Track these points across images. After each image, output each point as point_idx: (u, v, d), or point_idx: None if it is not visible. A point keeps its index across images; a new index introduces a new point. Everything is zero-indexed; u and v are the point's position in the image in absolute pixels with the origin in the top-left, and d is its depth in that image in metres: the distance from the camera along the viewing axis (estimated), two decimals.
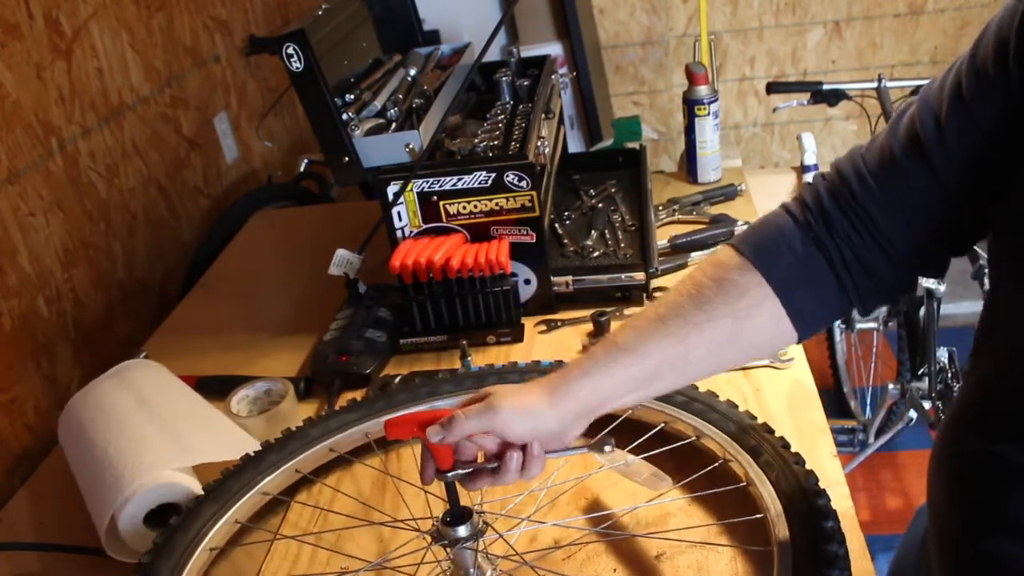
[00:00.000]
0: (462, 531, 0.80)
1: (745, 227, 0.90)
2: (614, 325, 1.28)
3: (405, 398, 1.07)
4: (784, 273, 0.76)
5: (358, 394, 1.19)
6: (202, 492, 0.96)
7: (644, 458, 0.95)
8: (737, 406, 0.98)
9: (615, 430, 0.94)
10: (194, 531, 0.90)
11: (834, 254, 0.75)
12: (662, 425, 1.00)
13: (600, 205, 1.54)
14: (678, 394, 1.00)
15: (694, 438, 0.97)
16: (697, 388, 1.01)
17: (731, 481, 0.91)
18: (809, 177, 1.81)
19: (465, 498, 0.84)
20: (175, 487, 0.96)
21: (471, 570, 0.82)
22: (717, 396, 1.00)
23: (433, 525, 0.82)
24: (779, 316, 0.76)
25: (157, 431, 1.02)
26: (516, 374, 1.10)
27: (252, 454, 1.01)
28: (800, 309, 0.76)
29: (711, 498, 0.93)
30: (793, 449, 0.90)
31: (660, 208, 1.58)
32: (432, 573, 0.85)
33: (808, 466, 0.88)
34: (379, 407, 1.07)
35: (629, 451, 0.96)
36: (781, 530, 0.81)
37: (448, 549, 0.81)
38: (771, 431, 0.94)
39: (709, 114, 1.62)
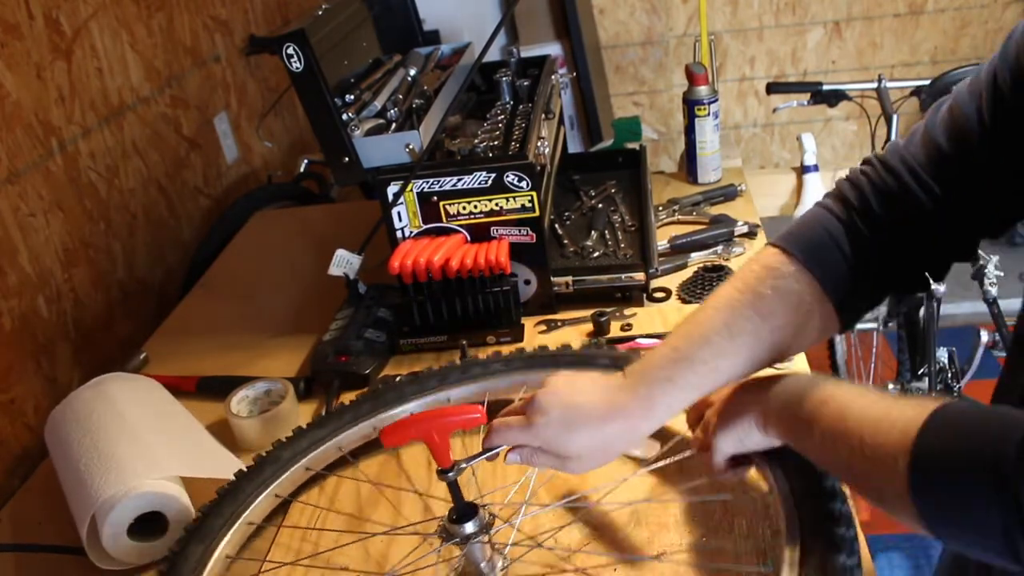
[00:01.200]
0: (470, 527, 0.81)
1: (786, 226, 0.90)
2: (614, 325, 1.28)
3: (368, 408, 1.07)
4: (836, 276, 0.76)
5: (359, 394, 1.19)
6: (186, 500, 0.96)
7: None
8: None
9: None
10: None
11: (879, 251, 0.76)
12: None
13: (600, 205, 1.54)
14: None
15: None
16: None
17: None
18: (809, 177, 1.81)
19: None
20: (150, 496, 0.96)
21: (483, 563, 0.82)
22: None
23: (439, 526, 0.83)
24: (830, 316, 0.77)
25: (128, 445, 1.01)
26: (500, 363, 1.10)
27: (226, 485, 0.98)
28: (850, 308, 0.78)
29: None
30: None
31: (660, 208, 1.58)
32: (444, 573, 0.85)
33: None
34: (347, 419, 1.06)
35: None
36: (788, 510, 0.81)
37: (460, 547, 0.81)
38: None
39: (709, 114, 1.62)
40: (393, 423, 0.82)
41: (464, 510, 0.81)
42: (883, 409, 0.63)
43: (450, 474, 0.80)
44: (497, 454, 0.83)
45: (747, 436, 0.77)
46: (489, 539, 0.83)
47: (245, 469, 1.00)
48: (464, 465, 0.82)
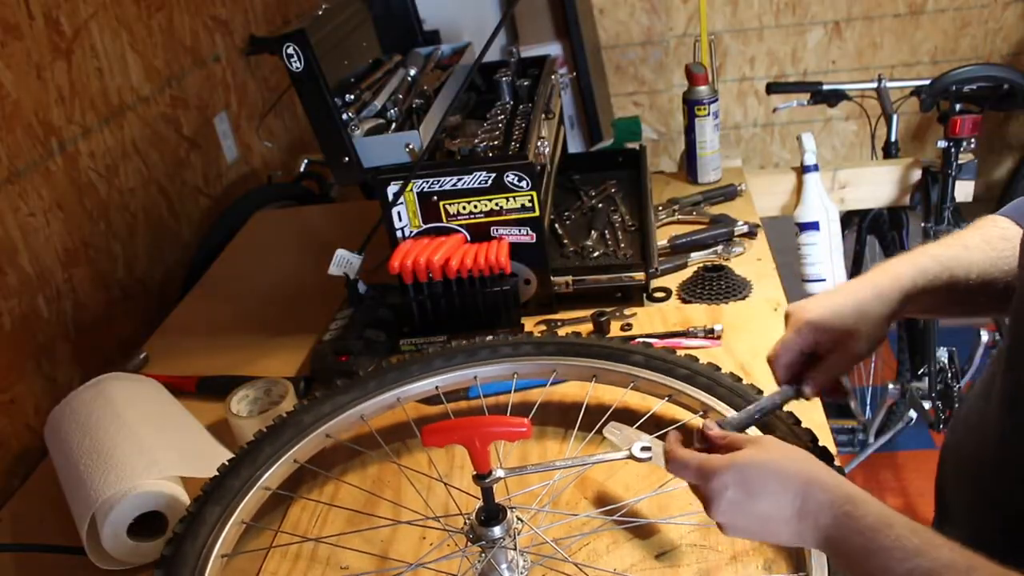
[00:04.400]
0: (498, 531, 0.81)
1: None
2: (614, 325, 1.28)
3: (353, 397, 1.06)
4: None
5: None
6: (186, 500, 0.96)
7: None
8: (740, 379, 1.00)
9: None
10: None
11: None
12: (666, 399, 1.02)
13: (600, 205, 1.54)
14: (680, 367, 1.03)
15: (701, 412, 0.98)
16: (697, 360, 1.03)
17: None
18: (809, 177, 1.81)
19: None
20: (149, 496, 0.96)
21: (504, 566, 0.82)
22: (719, 368, 1.02)
23: (465, 524, 0.83)
24: None
25: (128, 445, 1.01)
26: (509, 347, 1.10)
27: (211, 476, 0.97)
28: None
29: None
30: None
31: (660, 208, 1.58)
32: (465, 571, 0.85)
33: None
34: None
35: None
36: None
37: (485, 549, 0.81)
38: (739, 379, 0.97)
39: (709, 114, 1.62)
40: (436, 424, 0.80)
41: (493, 513, 0.81)
42: None
43: (486, 480, 0.80)
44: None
45: (767, 537, 0.75)
46: (516, 544, 0.83)
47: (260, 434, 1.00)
48: (503, 475, 0.81)
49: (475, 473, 0.80)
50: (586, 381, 1.07)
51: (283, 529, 0.99)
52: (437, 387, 1.07)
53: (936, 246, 0.87)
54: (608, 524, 0.92)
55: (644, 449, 0.82)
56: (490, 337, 1.12)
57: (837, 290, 0.88)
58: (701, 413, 0.98)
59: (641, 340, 1.18)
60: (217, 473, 0.94)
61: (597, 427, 0.95)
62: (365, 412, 1.04)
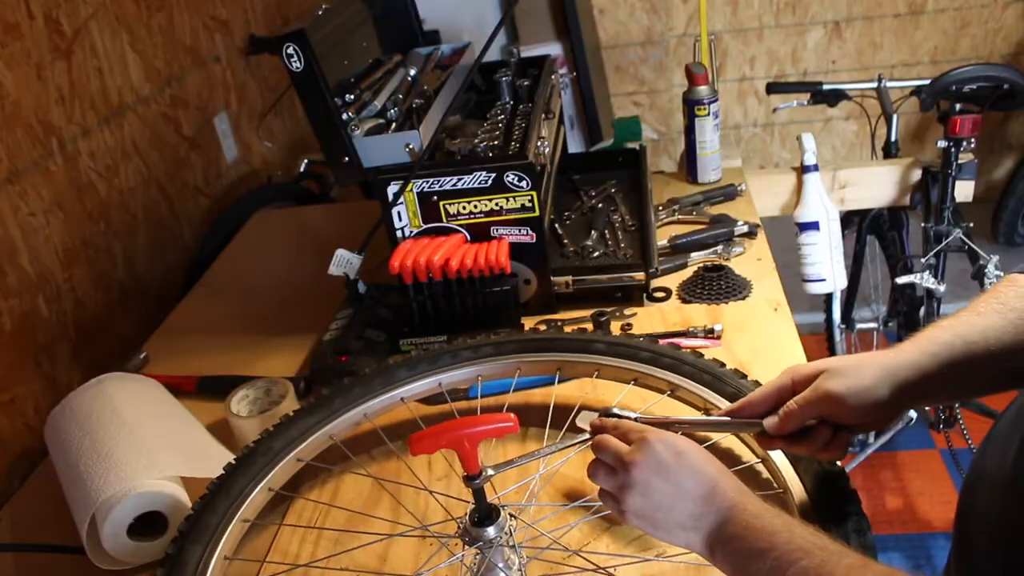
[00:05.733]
0: (492, 531, 0.81)
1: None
2: (614, 325, 1.28)
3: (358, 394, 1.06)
4: None
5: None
6: (186, 500, 0.96)
7: None
8: (745, 375, 1.00)
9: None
10: None
11: None
12: (668, 393, 1.03)
13: (600, 205, 1.54)
14: (681, 361, 1.04)
15: (668, 391, 1.01)
16: (702, 356, 1.04)
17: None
18: (809, 177, 1.81)
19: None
20: (149, 496, 0.96)
21: (500, 564, 0.83)
22: (724, 365, 1.03)
23: (459, 528, 0.83)
24: None
25: (128, 445, 1.01)
26: (491, 346, 1.11)
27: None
28: None
29: None
30: None
31: (660, 208, 1.58)
32: (462, 573, 0.86)
33: None
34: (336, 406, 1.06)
35: None
36: (796, 488, 0.83)
37: (482, 550, 0.81)
38: (744, 376, 0.97)
39: (709, 114, 1.62)
40: (423, 431, 0.80)
41: (487, 513, 0.81)
42: None
43: (477, 481, 0.80)
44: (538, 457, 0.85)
45: (669, 538, 0.75)
46: (512, 541, 0.83)
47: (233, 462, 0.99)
48: (492, 472, 0.81)
49: (465, 475, 0.80)
50: (551, 375, 1.10)
51: (271, 559, 0.96)
52: (403, 398, 1.07)
53: (947, 319, 0.79)
54: (602, 509, 0.93)
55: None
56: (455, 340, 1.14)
57: (860, 363, 0.79)
58: (668, 392, 1.02)
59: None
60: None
61: (570, 419, 0.97)
62: (334, 432, 1.03)
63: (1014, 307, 0.75)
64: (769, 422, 0.81)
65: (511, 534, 0.82)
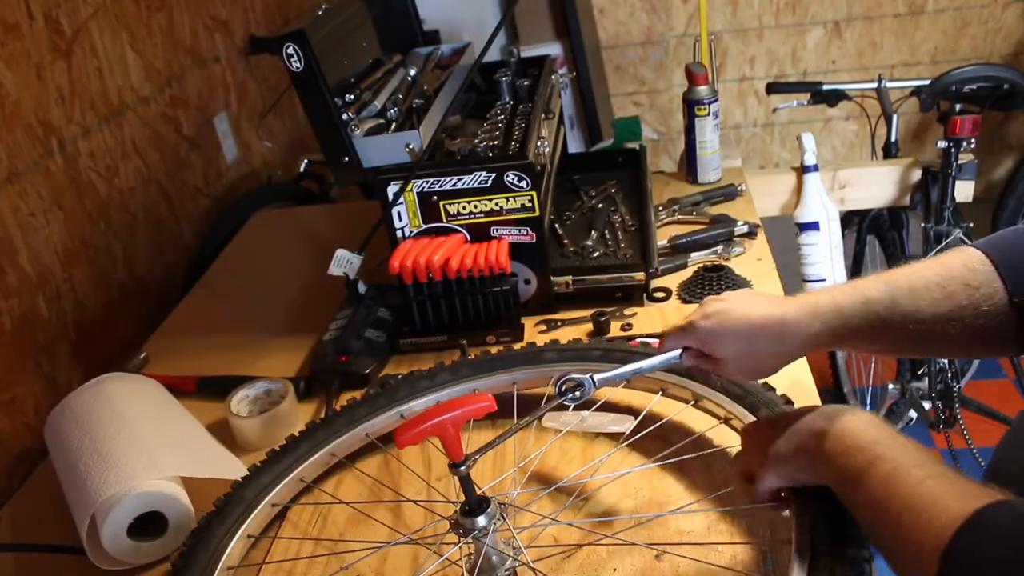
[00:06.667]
0: (483, 520, 0.81)
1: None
2: (614, 325, 1.28)
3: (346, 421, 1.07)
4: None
5: (358, 394, 1.18)
6: (186, 500, 0.96)
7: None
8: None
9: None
10: None
11: None
12: (660, 393, 1.04)
13: (600, 205, 1.54)
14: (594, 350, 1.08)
15: (692, 402, 1.01)
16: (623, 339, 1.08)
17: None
18: (809, 177, 1.81)
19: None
20: (149, 496, 0.96)
21: (494, 556, 0.83)
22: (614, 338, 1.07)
23: (452, 521, 0.83)
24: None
25: (127, 445, 1.01)
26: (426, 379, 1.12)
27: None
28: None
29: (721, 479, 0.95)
30: None
31: (660, 208, 1.58)
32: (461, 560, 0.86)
33: None
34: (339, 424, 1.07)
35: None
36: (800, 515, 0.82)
37: (476, 540, 0.82)
38: (772, 388, 0.98)
39: (709, 114, 1.62)
40: (404, 423, 0.81)
41: (477, 503, 0.82)
42: (929, 495, 0.60)
43: (462, 467, 0.80)
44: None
45: (799, 473, 0.76)
46: (510, 527, 0.84)
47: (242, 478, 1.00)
48: (477, 456, 0.82)
49: (450, 463, 0.80)
50: (508, 389, 1.11)
51: (266, 572, 0.95)
52: (367, 434, 1.06)
53: (888, 272, 0.81)
54: (593, 490, 0.95)
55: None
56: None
57: (769, 303, 0.82)
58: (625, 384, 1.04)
59: (641, 340, 1.18)
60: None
61: (538, 416, 0.97)
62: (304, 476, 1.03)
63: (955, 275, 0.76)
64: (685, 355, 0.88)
65: (501, 520, 0.82)
